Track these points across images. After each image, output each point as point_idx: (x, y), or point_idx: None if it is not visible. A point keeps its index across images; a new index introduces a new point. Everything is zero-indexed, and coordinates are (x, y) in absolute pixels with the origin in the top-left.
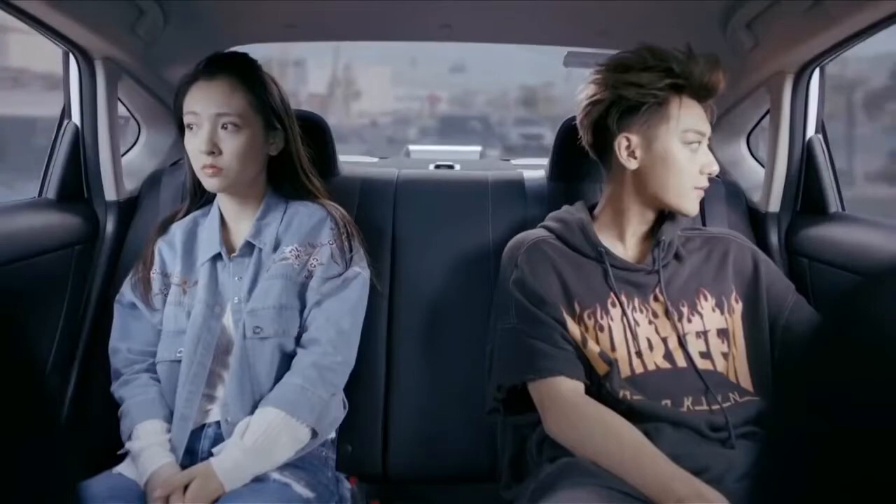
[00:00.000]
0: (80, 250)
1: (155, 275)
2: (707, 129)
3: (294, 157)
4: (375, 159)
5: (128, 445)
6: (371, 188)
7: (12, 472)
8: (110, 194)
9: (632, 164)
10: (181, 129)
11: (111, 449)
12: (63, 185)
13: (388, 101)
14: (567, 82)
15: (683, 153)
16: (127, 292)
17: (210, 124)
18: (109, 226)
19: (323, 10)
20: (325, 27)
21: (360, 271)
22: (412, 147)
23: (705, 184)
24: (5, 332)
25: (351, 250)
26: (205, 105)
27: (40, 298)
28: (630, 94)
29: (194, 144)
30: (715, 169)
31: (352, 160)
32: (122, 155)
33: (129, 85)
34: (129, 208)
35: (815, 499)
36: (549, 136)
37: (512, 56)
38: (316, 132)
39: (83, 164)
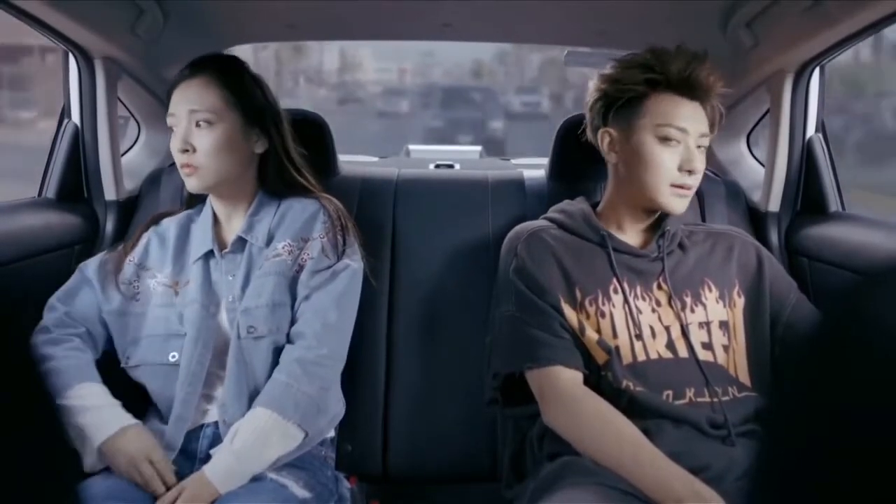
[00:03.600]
0: (80, 250)
1: (130, 263)
2: (692, 126)
3: (280, 154)
4: (375, 158)
5: (60, 401)
6: (371, 188)
7: (12, 472)
8: (110, 194)
9: (612, 158)
10: None
11: None
12: (63, 184)
13: (371, 73)
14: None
15: (657, 149)
16: (92, 264)
17: (186, 122)
18: (109, 225)
19: (323, 9)
20: (325, 27)
21: (350, 263)
22: (412, 147)
23: (686, 181)
24: (5, 332)
25: (345, 244)
26: (180, 104)
27: (40, 298)
28: (610, 90)
29: (173, 145)
30: (696, 167)
31: (352, 160)
32: (122, 154)
33: (129, 84)
34: (129, 208)
35: (815, 498)
36: (546, 104)
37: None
38: (315, 132)
39: (83, 164)
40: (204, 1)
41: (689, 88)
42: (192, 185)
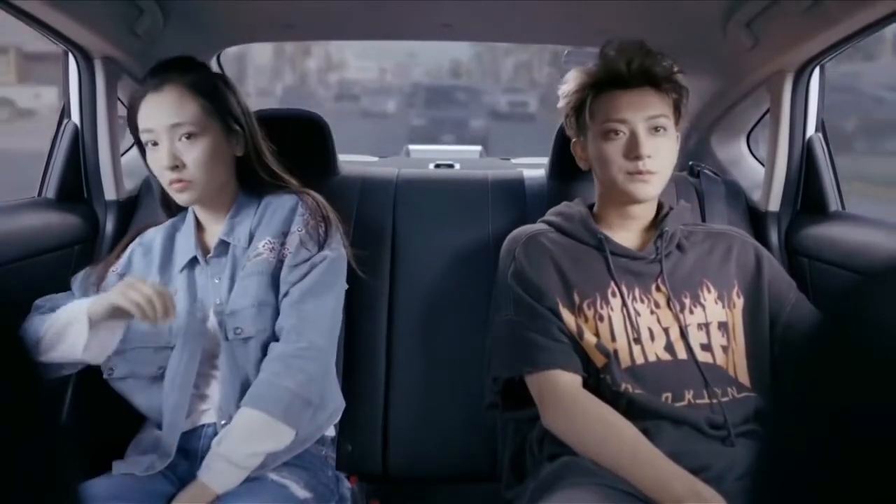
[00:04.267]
0: (79, 250)
1: (113, 274)
2: (634, 113)
3: (253, 157)
4: (375, 158)
5: (47, 325)
6: (371, 188)
7: (12, 473)
8: (110, 194)
9: (583, 165)
10: (140, 147)
11: (111, 449)
12: (63, 184)
13: (353, 71)
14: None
15: (603, 145)
16: (79, 277)
17: (168, 137)
18: (109, 225)
19: (322, 9)
20: (324, 27)
21: (328, 254)
22: (412, 147)
23: (638, 167)
24: (5, 332)
25: (326, 234)
26: (158, 118)
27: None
28: (564, 102)
29: (157, 161)
30: (642, 152)
31: (352, 160)
32: (122, 154)
33: (129, 84)
34: (128, 208)
35: (815, 498)
36: (534, 104)
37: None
38: (315, 132)
39: (83, 164)
40: (203, 1)
41: (621, 80)
42: (184, 199)
